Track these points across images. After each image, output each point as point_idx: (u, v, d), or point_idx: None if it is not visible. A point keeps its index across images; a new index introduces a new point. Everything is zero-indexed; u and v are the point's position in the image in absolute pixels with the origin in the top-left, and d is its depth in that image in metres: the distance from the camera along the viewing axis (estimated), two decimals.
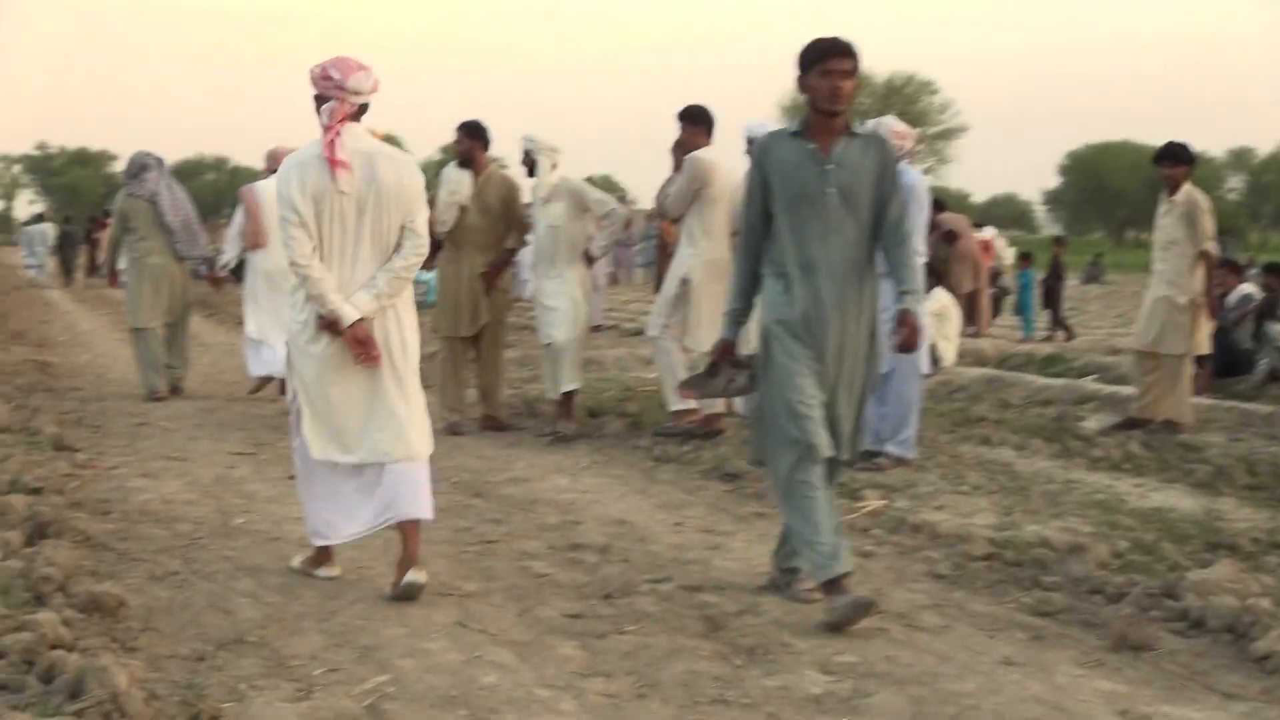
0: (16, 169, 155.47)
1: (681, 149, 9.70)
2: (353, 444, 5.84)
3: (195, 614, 5.39)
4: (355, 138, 5.79)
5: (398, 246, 5.83)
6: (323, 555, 6.11)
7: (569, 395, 10.20)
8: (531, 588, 5.96)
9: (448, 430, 10.22)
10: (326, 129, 5.76)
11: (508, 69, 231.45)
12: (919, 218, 8.63)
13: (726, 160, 9.69)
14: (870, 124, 8.67)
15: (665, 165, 9.98)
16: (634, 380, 13.42)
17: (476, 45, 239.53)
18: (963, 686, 4.72)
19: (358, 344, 5.72)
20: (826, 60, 5.49)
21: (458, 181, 10.40)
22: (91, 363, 15.35)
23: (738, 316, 5.90)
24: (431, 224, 6.71)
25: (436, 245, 10.50)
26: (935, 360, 13.48)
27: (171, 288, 12.37)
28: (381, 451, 5.80)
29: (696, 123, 9.75)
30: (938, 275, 14.57)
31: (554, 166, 10.13)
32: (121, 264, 13.19)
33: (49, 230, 37.51)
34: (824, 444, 5.48)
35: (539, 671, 4.84)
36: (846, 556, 5.45)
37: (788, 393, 5.50)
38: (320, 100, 5.83)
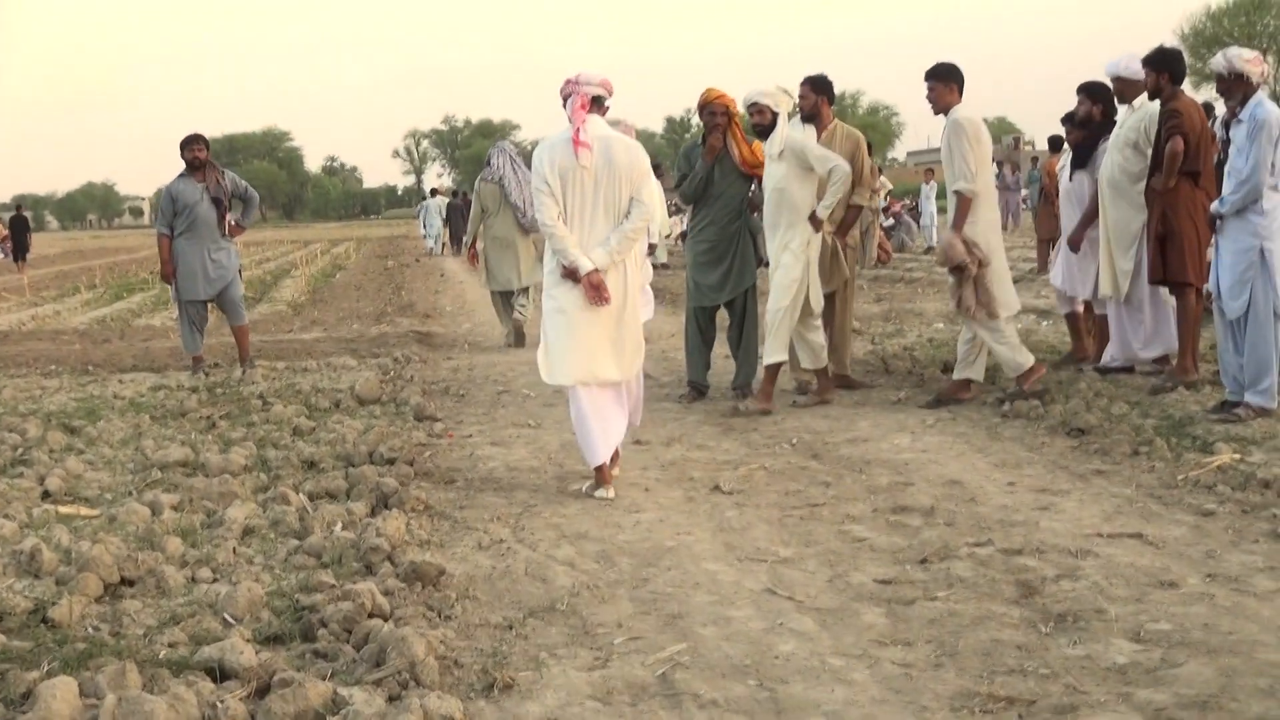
0: (425, 143, 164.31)
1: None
2: (580, 367, 7.15)
3: (513, 582, 5.58)
4: (596, 125, 7.14)
5: (627, 213, 7.14)
6: (601, 477, 7.25)
7: (774, 369, 9.59)
8: (848, 552, 5.93)
9: (797, 389, 10.25)
10: (572, 118, 7.09)
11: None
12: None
13: None
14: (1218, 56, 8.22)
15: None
16: None
17: None
18: None
19: (592, 289, 7.07)
20: None
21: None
22: (471, 331, 16.09)
23: None
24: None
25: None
26: None
27: (520, 256, 14.21)
28: (606, 377, 7.21)
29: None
30: None
31: (790, 117, 9.56)
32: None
33: (441, 204, 39.89)
34: None
35: (838, 640, 4.81)
36: None
37: None
38: (564, 100, 7.20)
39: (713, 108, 9.93)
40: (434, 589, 5.36)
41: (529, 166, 14.07)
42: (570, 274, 7.09)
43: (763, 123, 9.32)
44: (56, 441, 8.76)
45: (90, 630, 4.98)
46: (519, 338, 14.22)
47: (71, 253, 59.19)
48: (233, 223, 12.43)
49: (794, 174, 9.29)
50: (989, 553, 5.80)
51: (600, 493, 7.18)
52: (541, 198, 7.10)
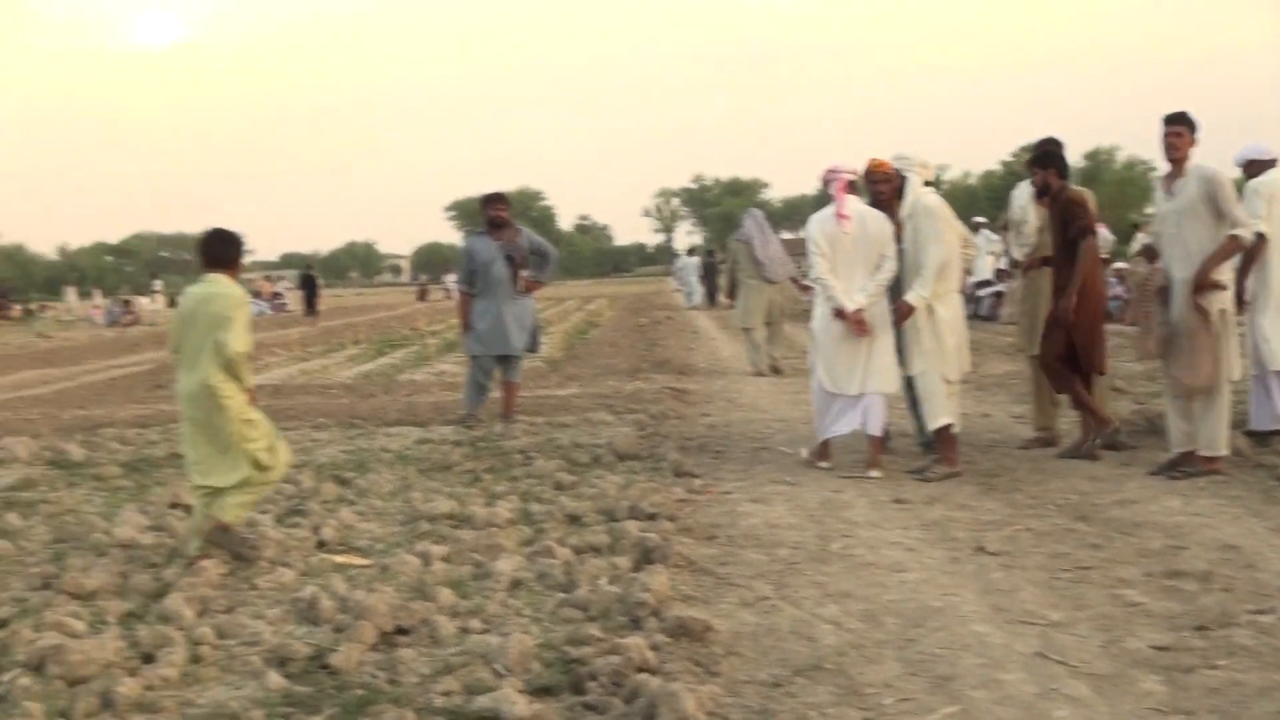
0: (675, 202, 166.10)
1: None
2: (844, 382, 9.53)
3: (778, 640, 5.57)
4: (853, 203, 9.53)
5: (878, 267, 9.43)
6: (823, 451, 9.91)
7: (943, 431, 9.48)
8: (1121, 617, 5.76)
9: (1035, 443, 10.49)
10: (836, 198, 9.47)
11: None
12: None
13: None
14: None
15: None
16: None
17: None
18: None
19: (856, 323, 9.39)
20: None
21: (1024, 208, 10.80)
22: (725, 389, 16.12)
23: None
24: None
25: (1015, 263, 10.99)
26: None
27: (765, 301, 18.03)
28: (870, 387, 9.49)
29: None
30: None
31: (926, 183, 9.65)
32: None
33: (695, 262, 41.16)
34: None
35: (1114, 706, 4.68)
36: None
37: None
38: (826, 184, 9.64)
39: (875, 176, 9.91)
40: (700, 645, 5.38)
41: (774, 229, 17.81)
42: (839, 312, 9.35)
43: (887, 190, 9.79)
44: (329, 493, 9.09)
45: (368, 677, 5.15)
46: (776, 371, 17.79)
47: (336, 309, 61.29)
48: (527, 277, 12.80)
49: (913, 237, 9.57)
50: (1272, 621, 5.58)
51: (822, 463, 9.78)
52: (815, 258, 9.46)
